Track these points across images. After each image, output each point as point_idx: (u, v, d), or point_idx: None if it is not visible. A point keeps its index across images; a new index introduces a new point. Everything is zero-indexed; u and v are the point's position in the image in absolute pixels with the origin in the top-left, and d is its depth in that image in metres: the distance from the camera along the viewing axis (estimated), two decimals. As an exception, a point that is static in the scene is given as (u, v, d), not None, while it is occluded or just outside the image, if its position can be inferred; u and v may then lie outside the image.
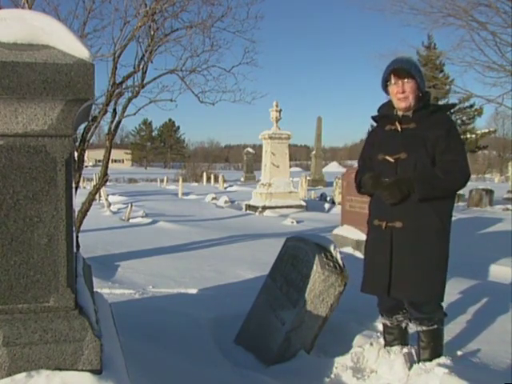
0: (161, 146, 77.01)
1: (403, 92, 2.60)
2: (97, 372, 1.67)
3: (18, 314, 1.67)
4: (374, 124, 3.00)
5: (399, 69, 2.61)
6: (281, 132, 13.37)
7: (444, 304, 2.75)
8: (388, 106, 2.76)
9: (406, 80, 2.60)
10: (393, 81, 2.63)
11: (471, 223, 9.55)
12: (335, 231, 7.46)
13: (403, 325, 2.86)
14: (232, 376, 2.64)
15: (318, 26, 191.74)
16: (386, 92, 2.74)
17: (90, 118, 4.74)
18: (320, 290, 2.82)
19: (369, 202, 2.86)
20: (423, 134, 2.56)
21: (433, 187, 2.52)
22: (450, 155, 2.54)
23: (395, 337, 2.86)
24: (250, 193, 14.55)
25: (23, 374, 1.60)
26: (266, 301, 3.16)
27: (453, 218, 2.72)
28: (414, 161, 2.56)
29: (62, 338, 1.66)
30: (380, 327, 3.39)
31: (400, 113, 2.67)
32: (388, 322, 2.88)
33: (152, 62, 5.55)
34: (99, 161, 41.64)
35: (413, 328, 2.79)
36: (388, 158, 2.63)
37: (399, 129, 2.63)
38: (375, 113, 2.85)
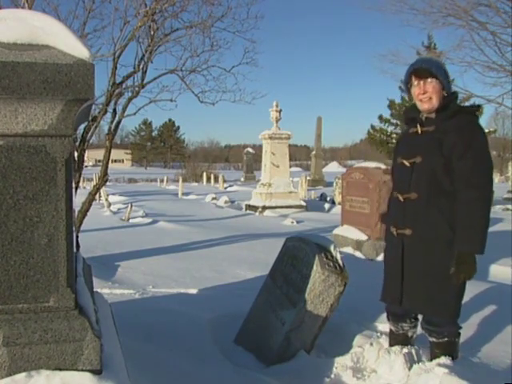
0: (161, 146, 76.96)
1: (425, 93, 2.48)
2: (97, 372, 1.67)
3: (18, 313, 1.67)
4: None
5: (419, 69, 2.52)
6: (281, 132, 13.38)
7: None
8: (414, 108, 2.64)
9: (428, 80, 2.48)
10: (414, 82, 2.53)
11: (471, 223, 9.52)
12: (335, 231, 7.46)
13: (409, 334, 2.79)
14: (232, 376, 2.64)
15: (318, 26, 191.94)
16: (410, 94, 2.65)
17: (90, 118, 4.74)
18: (320, 290, 2.82)
19: (387, 206, 2.83)
20: (441, 136, 2.44)
21: (475, 229, 2.35)
22: (466, 164, 2.38)
23: (399, 343, 2.78)
24: (250, 193, 14.54)
25: (23, 374, 1.60)
26: (266, 301, 3.16)
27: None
28: (428, 165, 2.46)
29: (62, 338, 1.66)
30: (380, 327, 3.40)
31: (424, 115, 2.57)
32: (393, 328, 2.82)
33: (152, 61, 5.57)
34: (99, 161, 41.60)
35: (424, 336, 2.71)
36: (404, 161, 2.57)
37: (419, 131, 2.55)
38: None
